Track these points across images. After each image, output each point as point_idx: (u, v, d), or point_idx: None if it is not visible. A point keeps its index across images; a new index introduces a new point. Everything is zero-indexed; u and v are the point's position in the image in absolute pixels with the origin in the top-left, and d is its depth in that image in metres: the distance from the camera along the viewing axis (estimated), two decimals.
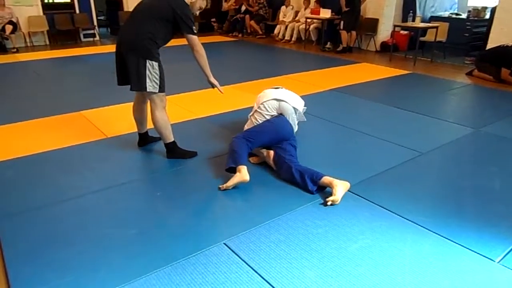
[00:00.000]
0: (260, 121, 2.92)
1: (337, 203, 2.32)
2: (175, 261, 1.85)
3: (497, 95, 4.85)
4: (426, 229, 2.10)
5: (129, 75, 2.65)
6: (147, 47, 2.59)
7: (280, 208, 2.28)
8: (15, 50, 7.65)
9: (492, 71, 5.40)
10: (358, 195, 2.44)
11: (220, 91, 2.98)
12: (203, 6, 2.84)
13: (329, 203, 2.31)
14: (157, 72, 2.66)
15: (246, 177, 2.47)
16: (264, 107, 2.91)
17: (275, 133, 2.80)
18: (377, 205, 2.33)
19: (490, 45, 6.00)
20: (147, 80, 2.63)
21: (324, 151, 3.16)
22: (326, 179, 2.43)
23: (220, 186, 2.50)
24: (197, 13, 2.84)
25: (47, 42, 8.52)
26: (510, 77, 5.25)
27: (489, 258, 1.88)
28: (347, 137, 3.41)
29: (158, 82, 2.67)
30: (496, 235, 2.06)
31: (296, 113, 2.96)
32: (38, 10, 8.28)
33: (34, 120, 3.78)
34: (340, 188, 2.36)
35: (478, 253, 1.91)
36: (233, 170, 2.54)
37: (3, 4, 7.58)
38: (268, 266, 1.82)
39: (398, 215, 2.23)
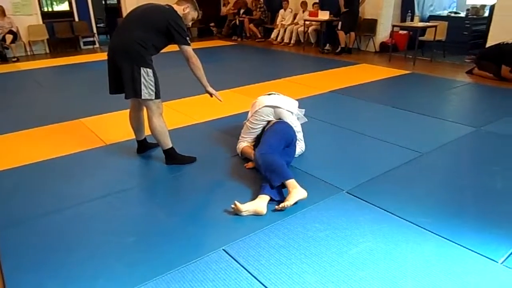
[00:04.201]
0: (256, 127, 2.94)
1: (240, 212, 2.23)
2: (174, 269, 1.83)
3: (498, 93, 4.82)
4: (428, 230, 2.07)
5: (123, 83, 2.65)
6: (140, 53, 2.59)
7: (279, 213, 2.26)
8: (15, 59, 7.69)
9: (492, 69, 5.38)
10: (359, 197, 2.42)
11: (219, 99, 2.97)
12: (195, 17, 2.85)
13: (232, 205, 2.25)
14: (152, 79, 2.65)
15: (305, 194, 2.34)
16: (259, 114, 2.91)
17: (286, 138, 2.77)
18: (378, 207, 2.30)
19: (490, 43, 5.97)
20: (143, 87, 2.62)
21: (324, 153, 3.14)
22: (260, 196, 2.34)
23: (278, 206, 2.28)
24: (190, 24, 2.85)
25: (47, 51, 8.56)
26: (510, 75, 5.21)
27: (492, 259, 1.86)
28: (346, 139, 3.39)
29: (153, 89, 2.67)
30: (499, 235, 2.03)
31: (293, 114, 2.95)
32: (37, 19, 8.33)
33: (34, 129, 3.78)
34: (252, 204, 2.28)
35: (480, 254, 1.89)
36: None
37: (3, 13, 7.63)
38: (268, 272, 1.80)
39: (399, 217, 2.20)
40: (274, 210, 2.27)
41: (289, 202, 2.26)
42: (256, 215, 2.24)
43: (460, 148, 3.22)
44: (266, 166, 2.46)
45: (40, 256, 1.96)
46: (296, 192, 2.31)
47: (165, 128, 2.82)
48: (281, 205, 2.26)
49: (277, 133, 2.76)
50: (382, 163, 2.87)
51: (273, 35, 9.24)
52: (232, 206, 2.25)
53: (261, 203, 2.27)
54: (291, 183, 2.36)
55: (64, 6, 9.05)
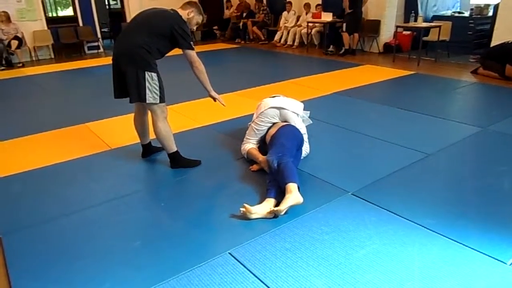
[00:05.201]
0: (261, 129, 2.93)
1: (250, 214, 2.22)
2: (180, 273, 1.83)
3: (504, 92, 4.78)
4: (435, 232, 2.06)
5: (128, 87, 2.66)
6: (144, 58, 2.60)
7: (285, 215, 2.25)
8: (21, 64, 7.74)
9: (497, 69, 5.34)
10: (364, 199, 2.40)
11: (222, 104, 2.98)
12: (200, 21, 2.85)
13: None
14: (157, 83, 2.66)
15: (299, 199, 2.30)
16: (265, 115, 2.91)
17: (297, 141, 2.77)
18: (384, 209, 2.29)
19: (494, 42, 5.94)
20: (147, 91, 2.63)
21: (329, 155, 3.13)
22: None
23: (271, 209, 2.24)
24: (194, 28, 2.86)
25: (52, 56, 8.62)
26: None
27: (500, 261, 1.84)
28: (351, 141, 3.38)
29: (158, 93, 2.67)
30: (507, 236, 2.01)
31: (298, 116, 2.95)
32: (42, 25, 8.39)
33: (40, 134, 3.80)
34: (260, 208, 2.25)
35: (489, 256, 1.87)
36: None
37: (8, 20, 7.70)
38: (274, 275, 1.79)
39: (405, 218, 2.19)
40: (270, 212, 2.23)
41: (280, 208, 2.20)
42: (264, 218, 2.23)
43: (466, 148, 3.20)
44: (280, 169, 2.43)
45: (46, 261, 1.96)
46: (289, 197, 2.23)
47: (169, 132, 2.82)
48: (271, 209, 2.22)
49: (290, 136, 2.75)
50: (388, 165, 2.85)
51: (276, 37, 9.25)
52: (242, 209, 2.22)
53: (268, 206, 2.26)
54: (289, 187, 2.29)
55: (69, 11, 9.14)
